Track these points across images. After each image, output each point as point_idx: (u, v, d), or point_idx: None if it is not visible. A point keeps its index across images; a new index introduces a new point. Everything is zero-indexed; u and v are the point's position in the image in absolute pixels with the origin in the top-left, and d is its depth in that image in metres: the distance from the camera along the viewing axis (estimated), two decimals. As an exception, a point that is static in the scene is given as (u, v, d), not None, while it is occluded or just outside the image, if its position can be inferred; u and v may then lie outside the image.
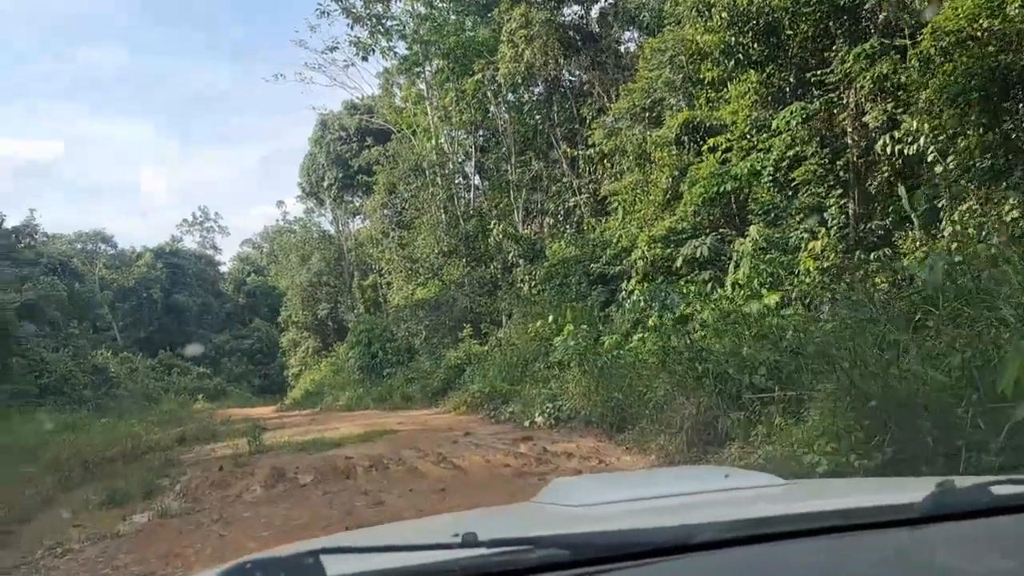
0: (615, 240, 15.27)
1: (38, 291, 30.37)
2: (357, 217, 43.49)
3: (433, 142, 23.95)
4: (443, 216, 23.50)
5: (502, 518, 1.81)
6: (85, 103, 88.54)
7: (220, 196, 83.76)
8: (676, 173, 13.80)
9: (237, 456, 10.94)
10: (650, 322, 11.80)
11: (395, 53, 25.79)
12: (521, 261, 21.12)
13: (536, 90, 24.83)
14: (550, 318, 13.33)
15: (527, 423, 10.82)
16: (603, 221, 18.79)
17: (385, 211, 27.22)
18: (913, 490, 1.23)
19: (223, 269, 64.84)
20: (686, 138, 14.12)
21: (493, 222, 21.42)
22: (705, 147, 13.17)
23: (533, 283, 20.18)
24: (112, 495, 8.11)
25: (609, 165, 18.48)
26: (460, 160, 24.54)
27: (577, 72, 24.44)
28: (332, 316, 42.37)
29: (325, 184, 34.74)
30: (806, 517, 1.21)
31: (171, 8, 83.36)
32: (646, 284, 13.10)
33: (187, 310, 52.99)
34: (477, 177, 26.00)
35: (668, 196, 14.09)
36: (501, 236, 21.17)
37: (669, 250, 12.59)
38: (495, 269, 21.91)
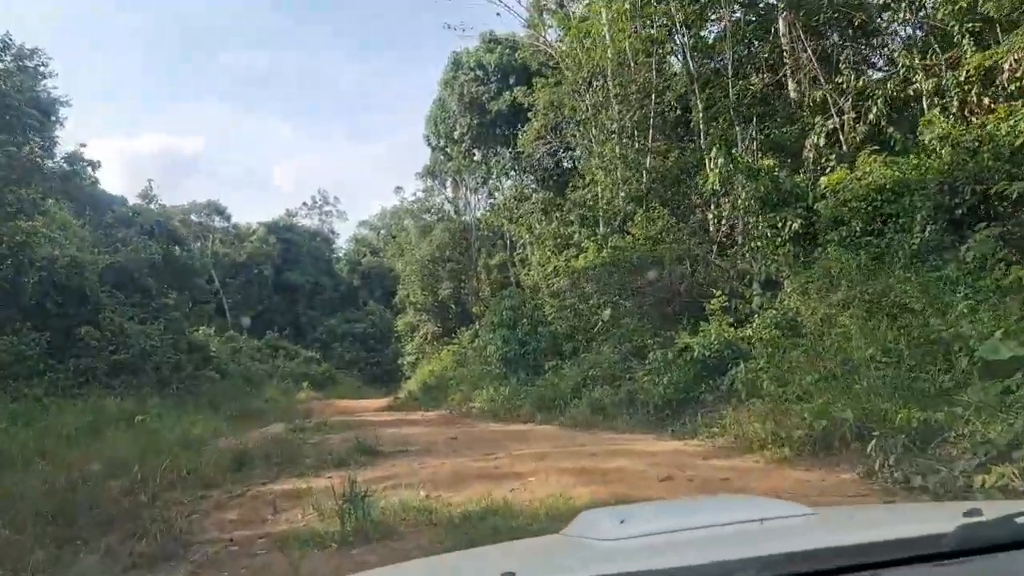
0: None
1: (127, 253, 26.01)
2: (484, 189, 37.63)
3: (626, 41, 16.86)
4: (631, 147, 16.45)
5: (540, 554, 1.78)
6: (225, 101, 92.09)
7: (343, 189, 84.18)
8: None
9: (311, 547, 4.45)
10: None
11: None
12: (754, 204, 13.80)
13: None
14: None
15: None
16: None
17: (543, 146, 20.34)
18: (944, 518, 1.29)
19: (339, 254, 61.13)
20: None
21: (716, 145, 14.18)
22: None
23: (780, 238, 12.93)
24: None
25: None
26: (660, 64, 17.27)
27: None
28: (455, 298, 36.47)
29: (456, 135, 28.57)
30: (838, 551, 1.20)
31: (303, 7, 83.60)
32: None
33: (298, 289, 48.96)
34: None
35: None
36: (729, 170, 13.94)
37: None
38: (716, 220, 14.70)
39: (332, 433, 12.32)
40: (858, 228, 11.00)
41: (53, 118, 29.50)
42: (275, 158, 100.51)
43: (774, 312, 9.48)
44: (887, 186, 10.93)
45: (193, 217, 48.85)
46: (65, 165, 30.65)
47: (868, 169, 11.79)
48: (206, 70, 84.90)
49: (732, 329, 10.15)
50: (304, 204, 58.38)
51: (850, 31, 16.73)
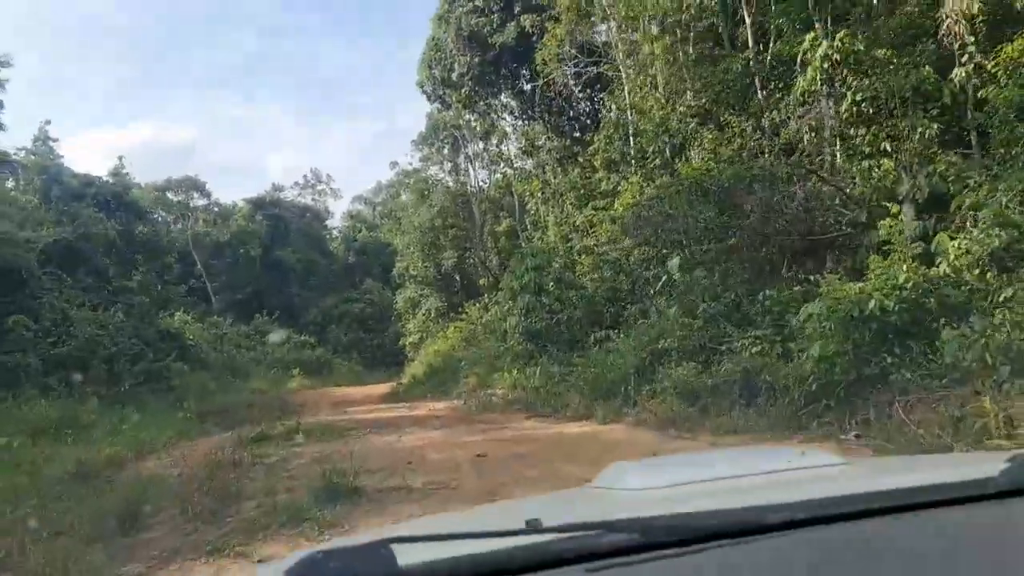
0: None
1: (77, 229, 22.22)
2: (485, 155, 33.77)
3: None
4: (686, 49, 12.56)
5: (566, 504, 1.71)
6: (219, 89, 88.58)
7: (337, 173, 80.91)
8: None
9: None
10: None
11: None
12: (869, 106, 10.04)
13: None
14: None
15: None
16: None
17: (562, 67, 16.18)
18: (981, 464, 1.20)
19: (333, 232, 57.20)
20: None
21: (813, 35, 10.39)
22: None
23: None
24: None
25: None
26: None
27: None
28: (460, 269, 32.73)
29: (454, 77, 24.57)
30: (878, 496, 1.13)
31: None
32: None
33: (289, 269, 45.09)
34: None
35: None
36: (833, 63, 10.21)
37: None
38: (811, 132, 10.93)
39: (303, 444, 8.66)
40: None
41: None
42: (268, 145, 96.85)
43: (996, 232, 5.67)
44: None
45: (170, 195, 44.96)
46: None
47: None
48: (196, 59, 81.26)
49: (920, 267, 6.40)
50: (296, 183, 54.34)
51: None
